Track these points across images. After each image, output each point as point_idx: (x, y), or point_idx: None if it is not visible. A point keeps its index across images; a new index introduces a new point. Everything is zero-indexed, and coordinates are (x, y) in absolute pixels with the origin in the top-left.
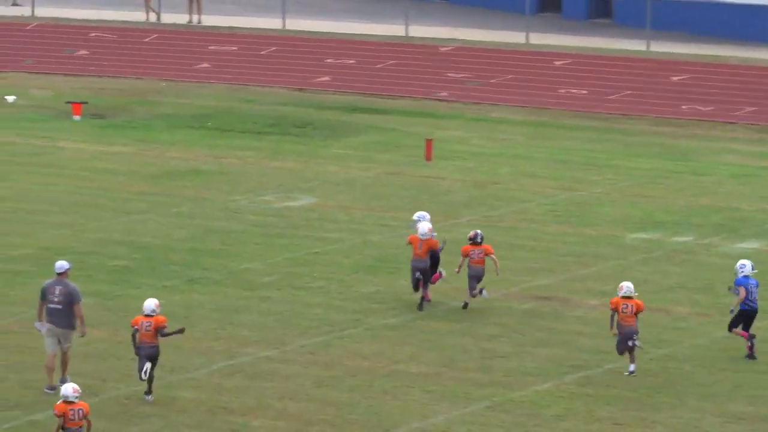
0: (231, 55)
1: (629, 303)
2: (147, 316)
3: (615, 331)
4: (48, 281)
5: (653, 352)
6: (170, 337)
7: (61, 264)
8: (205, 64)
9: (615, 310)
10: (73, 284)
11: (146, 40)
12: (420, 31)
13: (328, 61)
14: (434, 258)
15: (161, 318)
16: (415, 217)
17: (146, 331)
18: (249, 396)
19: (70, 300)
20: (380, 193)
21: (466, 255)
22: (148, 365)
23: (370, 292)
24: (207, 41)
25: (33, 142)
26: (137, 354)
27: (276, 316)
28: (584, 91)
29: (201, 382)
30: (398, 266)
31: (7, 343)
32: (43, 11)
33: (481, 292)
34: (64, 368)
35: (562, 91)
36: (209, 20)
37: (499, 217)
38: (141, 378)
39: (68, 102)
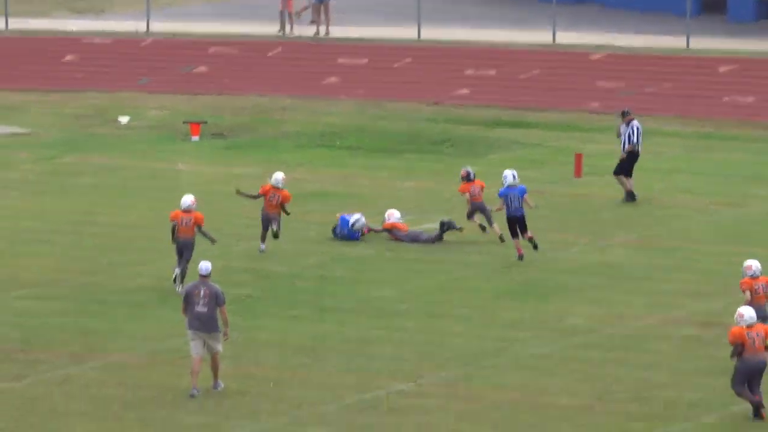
0: (361, 68)
1: (277, 193)
2: (186, 211)
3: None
4: (190, 284)
5: None
6: (205, 237)
7: (206, 266)
8: (334, 79)
9: (264, 195)
10: (217, 286)
11: (270, 54)
12: (568, 37)
13: (468, 72)
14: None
15: (200, 215)
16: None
17: (185, 226)
18: None
19: (216, 302)
20: (525, 213)
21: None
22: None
23: (514, 319)
24: (335, 54)
25: (149, 165)
26: (174, 242)
27: (412, 347)
28: (750, 99)
29: (331, 419)
30: (546, 291)
31: (125, 379)
32: (159, 26)
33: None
34: (215, 374)
35: (726, 99)
36: (338, 31)
37: (656, 236)
38: (178, 269)
39: (185, 122)
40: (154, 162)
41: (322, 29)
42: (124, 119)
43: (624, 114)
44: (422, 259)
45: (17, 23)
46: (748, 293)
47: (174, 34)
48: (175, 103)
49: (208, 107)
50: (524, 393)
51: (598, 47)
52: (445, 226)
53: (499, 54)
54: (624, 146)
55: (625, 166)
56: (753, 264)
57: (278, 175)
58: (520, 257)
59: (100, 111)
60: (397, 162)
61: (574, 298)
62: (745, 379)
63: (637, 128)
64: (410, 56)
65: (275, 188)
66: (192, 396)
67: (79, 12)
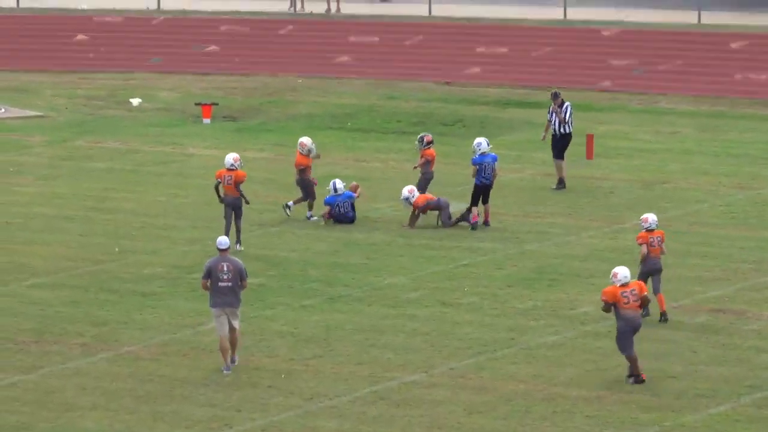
0: (373, 46)
1: (230, 174)
2: (229, 170)
3: None
4: (211, 260)
5: None
6: (241, 195)
7: (225, 240)
8: (345, 58)
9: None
10: (239, 260)
11: (281, 32)
12: (580, 13)
13: (479, 50)
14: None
15: (241, 173)
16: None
17: (228, 184)
18: (395, 425)
19: (240, 276)
20: (536, 197)
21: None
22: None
23: (526, 307)
24: (347, 32)
25: (160, 149)
26: (222, 202)
27: (423, 336)
28: (763, 76)
29: (343, 411)
30: (557, 278)
31: (137, 371)
32: (170, 4)
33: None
34: (233, 349)
35: (739, 76)
36: (349, 8)
37: (669, 220)
38: (228, 230)
39: (198, 104)
40: (166, 146)
41: (333, 6)
42: (135, 101)
43: (555, 96)
44: (434, 246)
45: (28, 2)
46: (644, 247)
47: (185, 12)
48: (187, 84)
49: (219, 88)
50: (535, 383)
51: (610, 23)
52: (462, 218)
53: (510, 31)
54: (556, 128)
55: (560, 149)
56: (649, 217)
57: (304, 140)
58: (474, 226)
59: (112, 92)
60: (409, 144)
61: (585, 285)
62: (631, 338)
63: (571, 109)
64: (421, 34)
65: (300, 153)
66: (225, 373)
67: None
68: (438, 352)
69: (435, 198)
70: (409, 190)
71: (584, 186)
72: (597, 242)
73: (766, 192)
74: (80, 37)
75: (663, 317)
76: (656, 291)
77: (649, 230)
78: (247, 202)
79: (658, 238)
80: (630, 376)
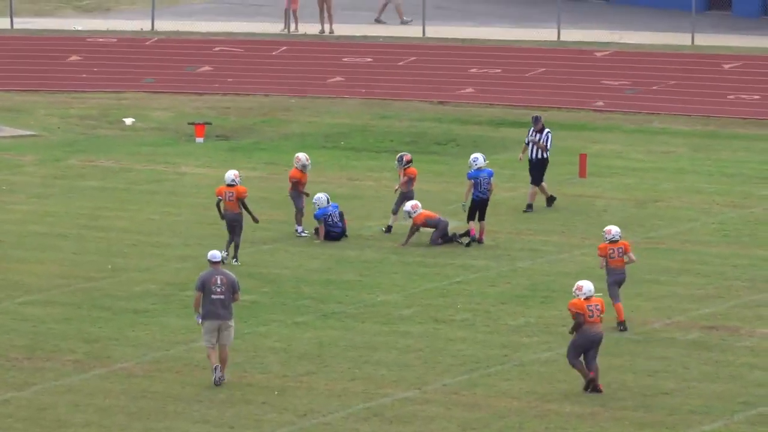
0: (366, 67)
1: (230, 191)
2: (229, 186)
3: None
4: (204, 273)
5: None
6: (248, 212)
7: (217, 253)
8: (338, 78)
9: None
10: (232, 273)
11: (274, 53)
12: (573, 35)
13: (472, 70)
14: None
15: (242, 188)
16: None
17: (229, 200)
18: None
19: (232, 289)
20: (528, 215)
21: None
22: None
23: (519, 324)
24: (340, 53)
25: (153, 167)
26: (223, 219)
27: (416, 353)
28: (756, 97)
29: (336, 427)
30: (550, 295)
31: (130, 388)
32: (164, 25)
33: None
34: (223, 365)
35: (732, 96)
36: (342, 30)
37: (662, 238)
38: (227, 248)
39: (190, 123)
40: (159, 165)
41: (327, 27)
42: (129, 120)
43: (536, 120)
44: (427, 263)
45: (23, 23)
46: (601, 260)
47: (179, 33)
48: (180, 104)
49: (212, 107)
50: (528, 400)
51: (604, 44)
52: (455, 237)
53: (504, 52)
54: (533, 153)
55: (539, 173)
56: (612, 229)
57: (299, 154)
58: (472, 239)
59: (105, 112)
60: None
61: None
62: (581, 351)
63: (551, 136)
64: (415, 55)
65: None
66: (216, 382)
67: (85, 11)
68: (431, 368)
69: (436, 217)
70: (413, 206)
71: (577, 204)
72: (589, 260)
73: (759, 210)
74: (74, 57)
75: (621, 326)
76: (615, 301)
77: (612, 242)
78: (256, 221)
79: (620, 249)
80: (587, 387)
